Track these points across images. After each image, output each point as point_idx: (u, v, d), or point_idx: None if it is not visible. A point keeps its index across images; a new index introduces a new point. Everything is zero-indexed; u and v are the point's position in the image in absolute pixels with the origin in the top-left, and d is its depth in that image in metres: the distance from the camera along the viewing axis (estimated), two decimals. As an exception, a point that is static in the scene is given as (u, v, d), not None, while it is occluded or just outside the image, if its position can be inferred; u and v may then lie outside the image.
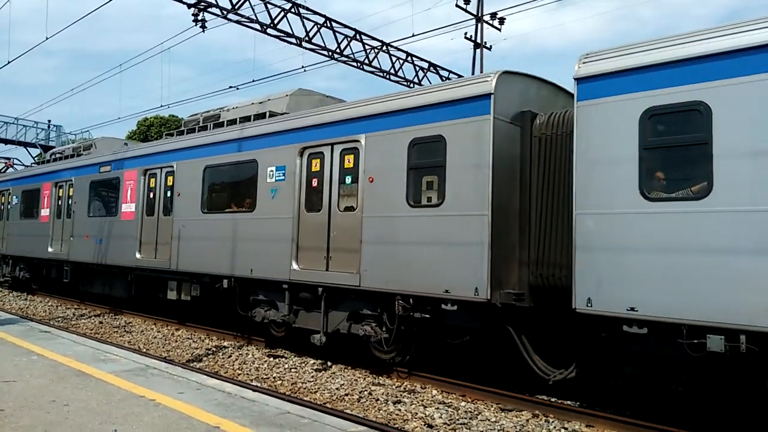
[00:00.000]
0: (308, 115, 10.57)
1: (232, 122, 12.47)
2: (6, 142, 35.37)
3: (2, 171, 26.81)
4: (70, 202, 17.33)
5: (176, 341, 12.37)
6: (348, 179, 9.58)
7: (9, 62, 20.19)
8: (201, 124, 13.62)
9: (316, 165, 10.10)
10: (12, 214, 21.30)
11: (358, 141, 9.37)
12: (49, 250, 17.88)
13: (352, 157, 9.50)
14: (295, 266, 10.08)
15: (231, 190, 12.30)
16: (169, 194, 13.30)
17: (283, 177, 10.51)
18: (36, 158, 33.83)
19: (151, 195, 13.86)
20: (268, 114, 11.72)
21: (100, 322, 14.80)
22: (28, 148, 35.50)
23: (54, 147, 34.55)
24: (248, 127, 11.76)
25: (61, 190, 18.08)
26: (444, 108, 8.36)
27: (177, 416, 5.32)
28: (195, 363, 10.25)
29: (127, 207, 14.53)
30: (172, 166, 13.25)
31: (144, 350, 11.17)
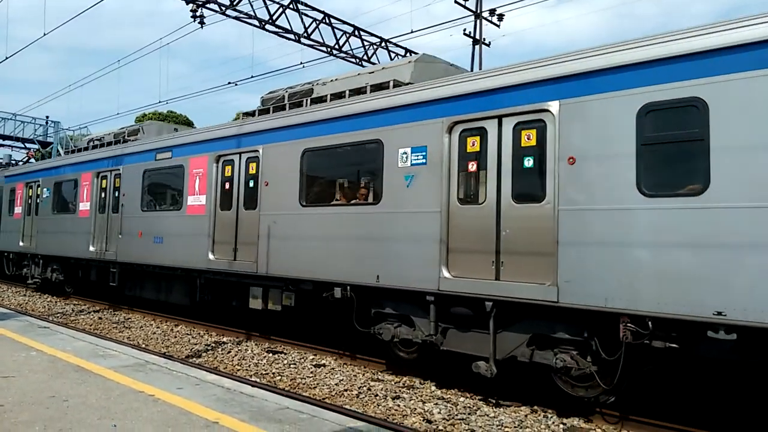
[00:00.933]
0: (464, 81, 8.23)
1: (337, 96, 10.31)
2: (4, 137, 35.29)
3: (24, 162, 25.28)
4: (117, 195, 15.07)
5: (175, 337, 12.38)
6: (528, 161, 7.35)
7: (7, 58, 20.21)
8: (290, 101, 11.34)
9: (473, 144, 7.95)
10: (42, 208, 18.97)
11: (546, 111, 7.12)
12: (91, 249, 15.72)
13: (533, 132, 7.28)
14: (445, 273, 7.85)
15: (342, 178, 10.03)
16: (252, 184, 11.12)
17: (423, 160, 8.36)
18: (35, 154, 33.72)
19: (227, 186, 11.74)
20: (392, 84, 9.50)
21: (99, 318, 14.80)
22: (26, 144, 35.41)
23: (52, 143, 34.48)
24: (366, 100, 9.47)
25: (104, 181, 15.76)
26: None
27: (176, 411, 5.33)
28: (194, 359, 10.26)
29: (195, 200, 12.40)
30: (257, 151, 11.04)
31: (143, 346, 11.18)
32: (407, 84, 9.39)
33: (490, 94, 7.77)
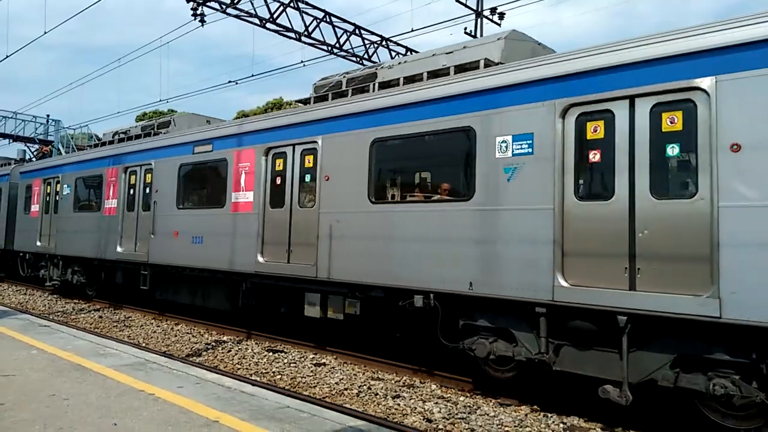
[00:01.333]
0: (582, 56, 7.02)
1: (411, 80, 9.27)
2: (4, 136, 35.29)
3: (37, 157, 23.98)
4: (148, 191, 13.90)
5: (176, 336, 12.38)
6: (672, 149, 6.28)
7: (7, 56, 20.14)
8: (351, 86, 10.29)
9: (594, 130, 6.81)
10: (63, 206, 17.61)
11: (697, 89, 6.06)
12: (119, 249, 14.49)
13: (678, 115, 6.20)
14: (561, 281, 6.75)
15: (421, 171, 9.12)
16: (309, 179, 10.09)
17: (528, 150, 7.21)
18: (35, 153, 33.70)
19: (278, 181, 10.67)
20: (483, 64, 8.35)
21: (100, 317, 14.81)
22: (26, 143, 35.40)
23: (53, 142, 34.45)
24: (452, 82, 8.29)
25: (133, 177, 14.54)
26: None
27: (176, 410, 5.33)
28: (194, 357, 10.26)
29: (240, 197, 11.27)
30: (315, 142, 9.96)
31: (143, 345, 11.18)
32: (498, 64, 8.29)
33: (618, 71, 6.61)
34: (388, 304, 8.80)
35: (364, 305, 9.23)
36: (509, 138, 7.43)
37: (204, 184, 12.78)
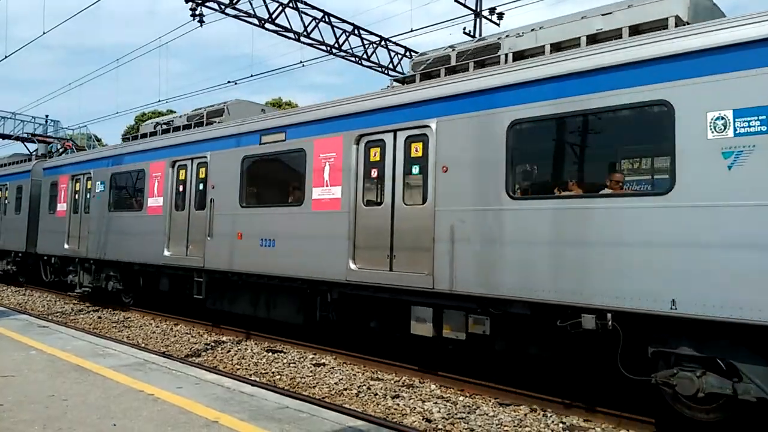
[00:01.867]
0: None
1: (558, 48, 7.76)
2: (3, 137, 35.28)
3: (59, 153, 21.83)
4: (201, 188, 12.33)
5: (175, 336, 12.38)
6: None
7: (6, 56, 20.17)
8: (461, 60, 8.80)
9: None
10: (95, 205, 15.88)
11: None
12: (165, 253, 12.88)
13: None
14: None
15: (581, 158, 7.34)
16: (417, 171, 8.51)
17: (763, 129, 5.66)
18: (33, 153, 33.64)
19: (373, 174, 9.10)
20: (674, 22, 6.81)
21: (99, 317, 14.80)
22: (26, 143, 35.40)
23: (51, 142, 34.40)
24: (630, 45, 6.64)
25: (183, 172, 12.91)
26: None
27: (176, 410, 5.33)
28: (194, 358, 10.26)
29: (323, 193, 9.73)
30: (426, 127, 8.36)
31: (143, 345, 11.18)
32: (686, 24, 6.81)
33: None
34: (534, 324, 7.43)
35: (500, 324, 7.80)
36: (729, 114, 5.88)
37: (275, 179, 11.36)
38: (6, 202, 22.00)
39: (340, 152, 9.57)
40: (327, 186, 9.75)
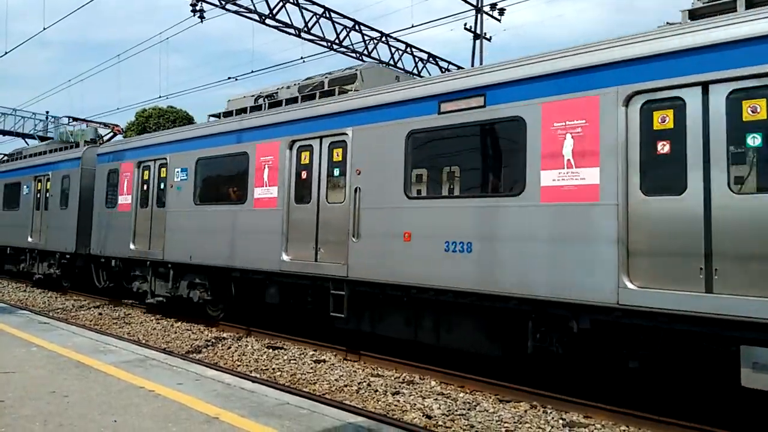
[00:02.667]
0: None
1: None
2: (4, 133, 35.30)
3: (106, 138, 18.84)
4: (338, 173, 9.77)
5: (175, 333, 12.39)
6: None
7: (6, 53, 20.15)
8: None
9: None
10: (174, 197, 13.25)
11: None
12: (284, 258, 10.39)
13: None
14: None
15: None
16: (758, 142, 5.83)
17: None
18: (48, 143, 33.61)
19: (663, 148, 6.38)
20: None
21: (100, 314, 14.82)
22: (26, 140, 35.41)
23: (52, 138, 34.34)
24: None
25: (306, 155, 10.34)
26: None
27: (176, 407, 5.34)
28: (194, 354, 10.28)
29: (562, 178, 7.05)
30: None
31: (143, 341, 11.20)
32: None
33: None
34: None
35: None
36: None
37: (466, 162, 8.42)
38: (48, 195, 18.92)
39: (593, 120, 6.86)
40: (570, 167, 7.03)
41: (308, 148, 10.26)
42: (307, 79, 11.99)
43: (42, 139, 34.66)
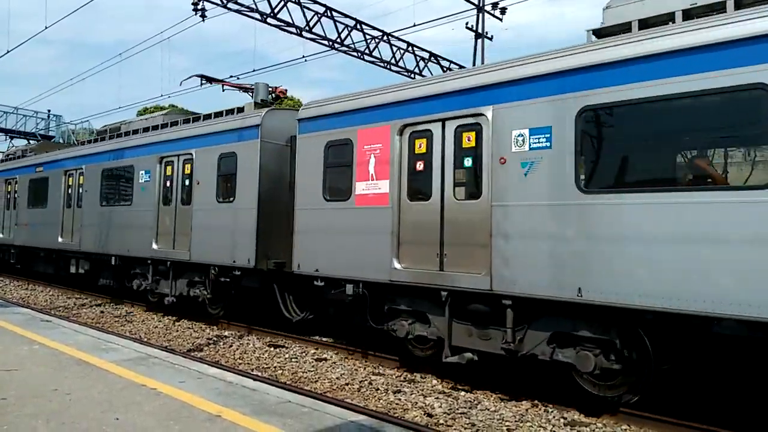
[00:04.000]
0: None
1: None
2: (6, 131, 35.34)
3: (271, 101, 13.21)
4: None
5: (177, 331, 12.41)
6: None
7: (8, 51, 20.16)
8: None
9: None
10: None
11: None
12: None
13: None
14: None
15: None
16: None
17: None
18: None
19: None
20: None
21: (101, 312, 14.84)
22: (28, 138, 35.47)
23: (54, 137, 34.38)
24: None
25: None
26: None
27: (178, 405, 5.35)
28: (196, 352, 10.29)
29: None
30: None
31: (145, 340, 11.22)
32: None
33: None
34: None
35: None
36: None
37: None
38: (188, 182, 12.86)
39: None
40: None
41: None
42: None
43: (43, 137, 34.72)
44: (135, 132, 15.68)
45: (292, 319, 11.01)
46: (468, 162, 8.03)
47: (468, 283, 7.72)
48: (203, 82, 14.32)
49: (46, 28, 17.68)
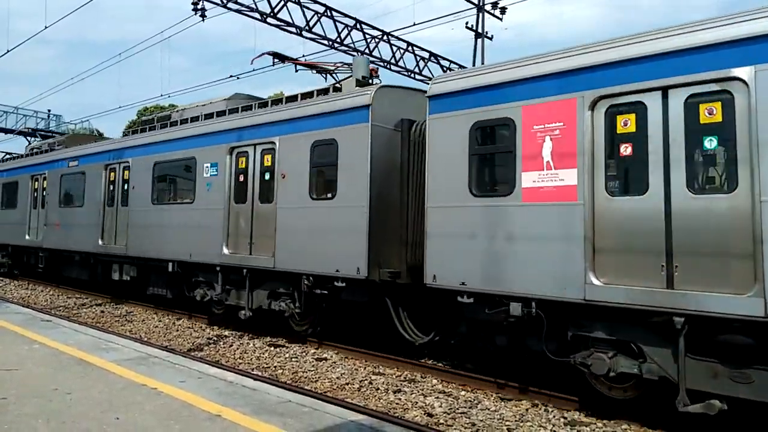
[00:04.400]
0: None
1: None
2: (6, 131, 35.36)
3: (368, 80, 10.75)
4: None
5: (177, 330, 12.41)
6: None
7: (8, 51, 20.15)
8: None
9: None
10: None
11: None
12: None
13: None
14: None
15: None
16: None
17: None
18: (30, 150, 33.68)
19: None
20: None
21: (102, 312, 14.84)
22: (28, 138, 35.48)
23: (56, 135, 34.37)
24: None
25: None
26: None
27: (178, 404, 5.35)
28: (196, 352, 10.30)
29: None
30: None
31: (145, 339, 11.22)
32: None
33: None
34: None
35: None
36: None
37: None
38: (266, 176, 11.04)
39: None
40: None
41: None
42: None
43: (44, 137, 34.74)
44: (193, 120, 13.45)
45: (415, 342, 9.08)
46: (710, 143, 6.00)
47: (720, 306, 5.66)
48: (275, 61, 12.84)
49: (45, 27, 17.68)
